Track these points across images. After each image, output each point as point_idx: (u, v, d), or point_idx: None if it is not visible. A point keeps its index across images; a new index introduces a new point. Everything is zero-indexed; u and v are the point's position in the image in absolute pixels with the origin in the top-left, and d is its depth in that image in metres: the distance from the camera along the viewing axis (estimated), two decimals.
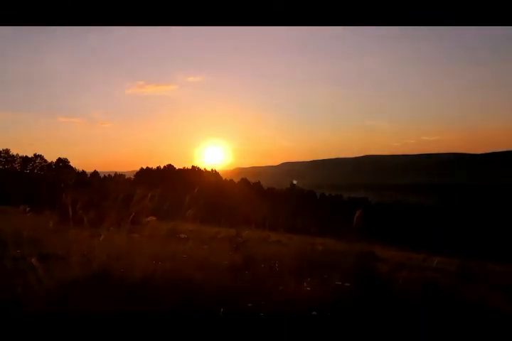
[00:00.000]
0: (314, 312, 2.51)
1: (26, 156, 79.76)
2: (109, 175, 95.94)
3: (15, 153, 78.91)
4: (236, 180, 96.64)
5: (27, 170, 77.57)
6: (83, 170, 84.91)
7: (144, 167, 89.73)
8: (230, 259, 3.55)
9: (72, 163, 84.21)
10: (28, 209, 5.40)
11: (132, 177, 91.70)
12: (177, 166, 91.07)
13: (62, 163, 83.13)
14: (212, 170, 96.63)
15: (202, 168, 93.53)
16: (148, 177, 75.70)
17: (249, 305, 2.53)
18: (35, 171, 76.65)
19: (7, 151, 78.19)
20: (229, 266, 3.28)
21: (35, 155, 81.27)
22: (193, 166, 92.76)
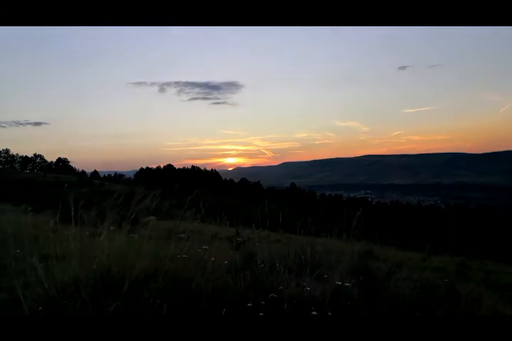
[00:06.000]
0: (314, 312, 2.51)
1: (26, 156, 79.85)
2: (109, 175, 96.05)
3: (15, 153, 79.05)
4: (236, 179, 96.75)
5: (27, 169, 77.64)
6: (83, 170, 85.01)
7: (144, 167, 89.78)
8: (230, 259, 3.55)
9: (72, 163, 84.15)
10: (30, 208, 5.40)
11: (132, 177, 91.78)
12: (177, 166, 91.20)
13: (62, 163, 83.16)
14: (212, 170, 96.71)
15: (202, 168, 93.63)
16: (148, 177, 75.74)
17: (249, 305, 2.53)
18: (35, 171, 76.70)
19: (7, 151, 78.26)
20: (229, 266, 3.28)
21: (35, 154, 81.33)
22: (192, 166, 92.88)
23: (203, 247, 3.50)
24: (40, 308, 2.35)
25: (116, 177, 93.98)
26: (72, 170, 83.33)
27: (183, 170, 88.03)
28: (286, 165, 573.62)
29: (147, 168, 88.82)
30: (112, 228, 3.19)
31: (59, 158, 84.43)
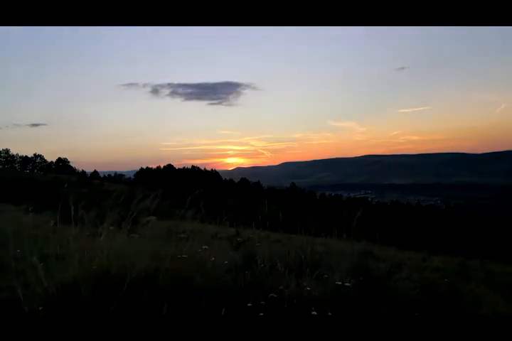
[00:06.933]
0: (314, 312, 2.51)
1: (26, 156, 79.86)
2: (109, 175, 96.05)
3: (15, 153, 79.08)
4: (236, 179, 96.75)
5: (27, 169, 77.65)
6: (83, 170, 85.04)
7: (144, 167, 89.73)
8: (230, 259, 3.55)
9: (72, 163, 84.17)
10: (30, 208, 5.41)
11: (132, 177, 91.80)
12: (176, 166, 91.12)
13: (62, 163, 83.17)
14: (212, 170, 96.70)
15: (202, 168, 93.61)
16: (148, 177, 75.74)
17: (249, 305, 2.53)
18: (35, 171, 76.72)
19: (7, 151, 78.29)
20: (229, 266, 3.28)
21: (35, 154, 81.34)
22: (192, 166, 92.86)
23: (203, 247, 3.50)
24: (40, 308, 2.35)
25: (116, 177, 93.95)
26: (72, 170, 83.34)
27: (183, 170, 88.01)
28: (286, 165, 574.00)
29: (147, 168, 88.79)
30: (111, 228, 3.19)
31: (59, 158, 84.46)
